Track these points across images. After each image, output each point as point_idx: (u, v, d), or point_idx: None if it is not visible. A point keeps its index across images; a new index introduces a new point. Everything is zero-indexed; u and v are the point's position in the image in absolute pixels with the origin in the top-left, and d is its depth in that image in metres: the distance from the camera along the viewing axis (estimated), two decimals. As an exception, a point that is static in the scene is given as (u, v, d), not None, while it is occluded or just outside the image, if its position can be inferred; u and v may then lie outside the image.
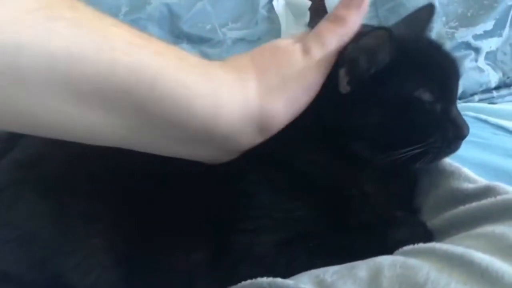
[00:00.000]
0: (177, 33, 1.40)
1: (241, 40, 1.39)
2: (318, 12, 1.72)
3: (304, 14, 1.73)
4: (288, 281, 0.36)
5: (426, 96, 0.43)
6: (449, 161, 0.47)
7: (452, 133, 0.44)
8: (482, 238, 0.36)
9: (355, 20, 0.42)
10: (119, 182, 0.43)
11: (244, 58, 0.41)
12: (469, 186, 0.43)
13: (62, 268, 0.42)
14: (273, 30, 1.44)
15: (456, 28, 1.17)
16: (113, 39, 0.33)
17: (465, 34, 1.17)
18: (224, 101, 0.36)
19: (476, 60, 1.19)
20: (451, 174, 0.45)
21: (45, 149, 0.44)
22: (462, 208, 0.41)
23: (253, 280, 0.38)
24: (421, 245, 0.38)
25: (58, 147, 0.42)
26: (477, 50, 1.19)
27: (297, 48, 0.41)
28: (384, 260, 0.37)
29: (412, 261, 0.35)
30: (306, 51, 0.41)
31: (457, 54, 1.17)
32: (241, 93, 0.37)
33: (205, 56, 1.37)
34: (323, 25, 0.42)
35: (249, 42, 1.40)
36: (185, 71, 0.35)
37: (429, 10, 0.51)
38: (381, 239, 0.42)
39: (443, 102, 0.45)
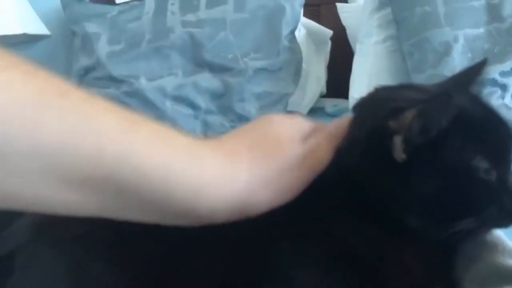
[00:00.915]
0: (199, 61, 1.41)
1: (262, 70, 1.40)
2: (339, 41, 1.72)
3: (325, 43, 1.73)
4: None
5: (483, 164, 0.40)
6: (491, 232, 0.45)
7: (510, 204, 0.41)
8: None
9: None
10: (137, 246, 0.42)
11: (241, 144, 0.40)
12: None
13: None
14: (295, 60, 1.44)
15: (482, 65, 1.16)
16: (102, 127, 0.33)
17: (491, 71, 1.15)
18: (208, 186, 0.36)
19: (503, 98, 1.17)
20: (494, 247, 0.42)
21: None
22: (507, 288, 0.39)
23: None
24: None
25: None
26: (503, 87, 1.17)
27: (300, 149, 0.41)
28: None
29: None
30: (306, 155, 0.40)
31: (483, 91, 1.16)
32: (227, 180, 0.37)
33: (227, 85, 1.38)
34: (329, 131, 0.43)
35: (270, 72, 1.41)
36: (171, 155, 0.35)
37: (482, 64, 0.48)
38: None
39: (499, 169, 0.41)
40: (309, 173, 0.40)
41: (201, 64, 1.41)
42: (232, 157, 0.38)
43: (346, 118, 0.46)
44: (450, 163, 0.40)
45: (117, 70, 1.39)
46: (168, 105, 1.35)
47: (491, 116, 0.43)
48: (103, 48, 1.42)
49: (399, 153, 0.40)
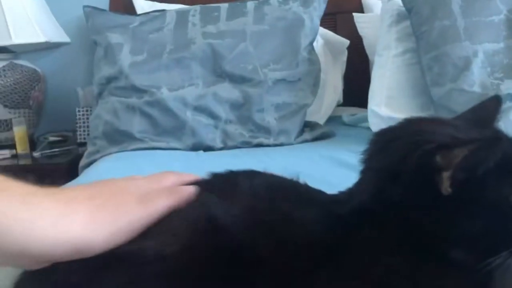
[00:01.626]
0: (219, 72, 1.44)
1: (281, 80, 1.42)
2: (356, 51, 1.73)
3: (342, 52, 1.75)
4: None
5: None
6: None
7: None
8: None
9: (189, 191, 0.47)
10: (197, 273, 0.43)
11: (81, 193, 0.44)
12: None
13: None
14: (313, 71, 1.46)
15: (501, 79, 1.16)
16: None
17: (511, 86, 1.16)
18: (41, 229, 0.40)
19: (522, 112, 1.18)
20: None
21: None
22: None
23: None
24: None
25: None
26: (522, 102, 1.18)
27: (135, 197, 0.45)
28: None
29: None
30: (142, 201, 0.44)
31: (502, 106, 1.16)
32: (62, 224, 0.41)
33: (246, 95, 1.40)
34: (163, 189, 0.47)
35: (289, 83, 1.43)
36: (5, 203, 0.39)
37: (496, 101, 0.51)
38: None
39: None
40: (147, 217, 0.44)
41: (221, 74, 1.43)
42: (70, 203, 0.42)
43: (188, 176, 0.52)
44: (491, 199, 0.42)
45: (139, 80, 1.42)
46: (189, 115, 1.38)
47: None
48: (125, 58, 1.45)
49: (446, 187, 0.42)
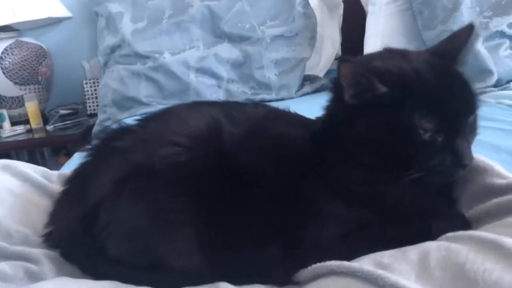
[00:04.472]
0: (218, 33, 1.49)
1: (279, 37, 1.47)
2: (351, 3, 1.75)
3: (338, 5, 1.77)
4: (354, 264, 0.44)
5: (427, 125, 0.47)
6: (482, 158, 0.53)
7: (452, 162, 0.48)
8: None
9: None
10: (202, 184, 0.51)
11: None
12: (502, 182, 0.50)
13: (160, 253, 0.51)
14: (309, 25, 1.50)
15: (490, 17, 1.20)
16: None
17: (499, 23, 1.20)
18: None
19: (511, 48, 1.22)
20: (485, 170, 0.51)
21: (133, 171, 0.53)
22: (495, 201, 0.48)
23: (323, 263, 0.46)
24: (461, 232, 0.45)
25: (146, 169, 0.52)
26: (512, 38, 1.22)
27: None
28: (431, 245, 0.44)
29: (454, 246, 0.43)
30: None
31: (491, 43, 1.20)
32: None
33: (246, 54, 1.45)
34: None
35: (287, 38, 1.48)
36: None
37: (469, 29, 0.55)
38: (427, 229, 0.49)
39: (446, 133, 0.48)
40: None
41: (220, 35, 1.48)
42: None
43: None
44: (400, 122, 0.48)
45: (142, 46, 1.47)
46: (192, 77, 1.44)
47: (452, 85, 0.50)
48: (127, 26, 1.50)
49: (346, 96, 0.50)
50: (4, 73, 1.73)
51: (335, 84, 0.52)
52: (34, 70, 1.81)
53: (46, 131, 1.75)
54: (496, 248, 0.40)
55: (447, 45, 0.55)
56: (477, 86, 1.15)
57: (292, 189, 0.51)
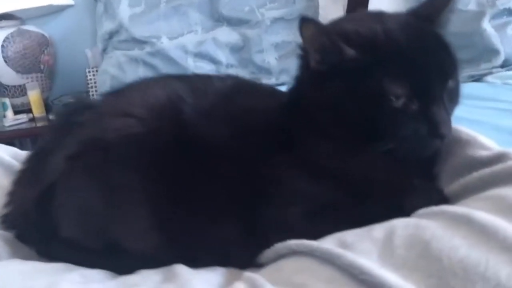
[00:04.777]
0: (216, 17, 1.44)
1: (279, 19, 1.42)
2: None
3: (342, -12, 1.71)
4: (313, 242, 0.41)
5: (399, 92, 0.43)
6: (466, 130, 0.48)
7: (428, 131, 0.44)
8: (489, 200, 0.39)
9: None
10: (158, 159, 0.48)
11: None
12: (483, 153, 0.45)
13: (113, 234, 0.48)
14: (311, 7, 1.45)
15: (497, -6, 1.14)
16: None
17: (507, 1, 1.13)
18: None
19: (519, 26, 1.15)
20: (467, 142, 0.46)
21: (86, 146, 0.50)
22: (475, 174, 0.43)
23: (284, 243, 0.42)
24: (433, 207, 0.41)
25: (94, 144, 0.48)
26: (519, 17, 1.15)
27: None
28: (398, 222, 0.40)
29: (424, 222, 0.38)
30: None
31: (498, 21, 1.14)
32: None
33: (245, 37, 1.41)
34: None
35: (287, 21, 1.42)
36: None
37: None
38: (398, 206, 0.44)
39: (421, 100, 0.44)
40: None
41: (218, 19, 1.44)
42: None
43: None
44: (370, 89, 0.44)
45: (139, 31, 1.44)
46: (190, 62, 1.40)
47: (427, 47, 0.45)
48: (124, 11, 1.47)
49: (312, 62, 0.46)
50: (6, 61, 1.72)
51: (302, 50, 0.48)
52: (37, 58, 1.80)
53: (49, 120, 1.74)
54: (467, 223, 0.36)
55: (428, 6, 0.50)
56: (483, 66, 1.10)
57: (256, 164, 0.47)
